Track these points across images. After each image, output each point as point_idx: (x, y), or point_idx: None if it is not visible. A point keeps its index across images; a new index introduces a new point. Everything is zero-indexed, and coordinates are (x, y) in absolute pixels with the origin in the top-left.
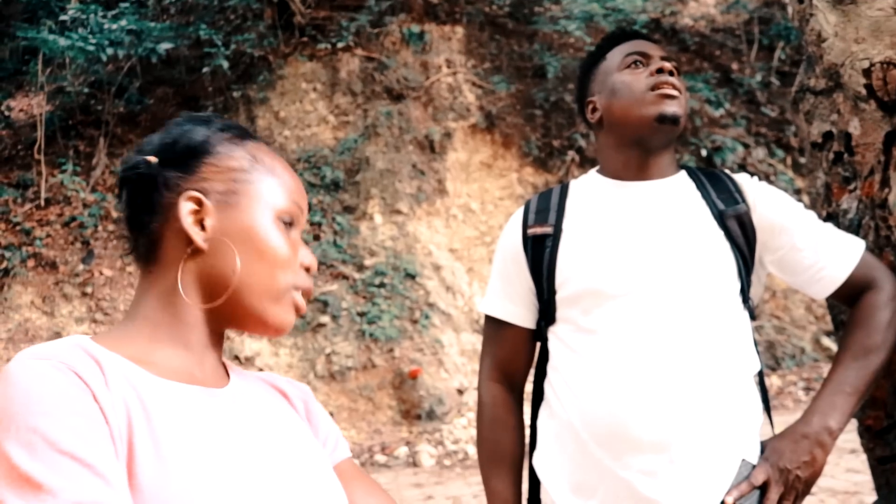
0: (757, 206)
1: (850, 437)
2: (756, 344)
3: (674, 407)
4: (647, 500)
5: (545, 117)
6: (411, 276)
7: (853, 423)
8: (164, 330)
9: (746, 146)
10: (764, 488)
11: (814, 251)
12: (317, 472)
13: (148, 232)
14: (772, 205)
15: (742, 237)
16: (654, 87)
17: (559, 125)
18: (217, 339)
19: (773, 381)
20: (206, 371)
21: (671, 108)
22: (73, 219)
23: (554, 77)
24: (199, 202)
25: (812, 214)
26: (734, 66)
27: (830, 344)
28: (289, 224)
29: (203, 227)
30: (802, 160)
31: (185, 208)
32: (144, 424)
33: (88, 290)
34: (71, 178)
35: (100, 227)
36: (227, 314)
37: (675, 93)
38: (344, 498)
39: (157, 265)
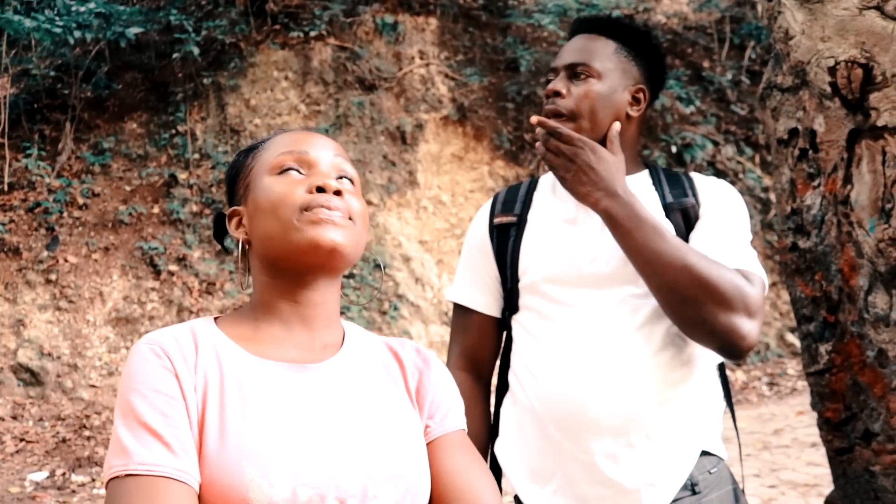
0: (704, 202)
1: (810, 432)
2: None
3: (631, 392)
4: (609, 482)
5: (517, 111)
6: (380, 268)
7: (813, 417)
8: (262, 313)
9: (716, 143)
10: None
11: (706, 242)
12: (390, 447)
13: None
14: (710, 200)
15: (685, 230)
16: (543, 114)
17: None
18: (314, 314)
19: (737, 377)
20: (312, 346)
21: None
22: (38, 204)
23: (527, 70)
24: (236, 213)
25: (742, 235)
26: (705, 64)
27: (794, 340)
28: (285, 171)
29: (244, 225)
30: (770, 158)
31: (231, 225)
32: (217, 400)
33: (52, 277)
34: (36, 162)
35: (65, 214)
36: (283, 270)
37: (550, 125)
38: (420, 474)
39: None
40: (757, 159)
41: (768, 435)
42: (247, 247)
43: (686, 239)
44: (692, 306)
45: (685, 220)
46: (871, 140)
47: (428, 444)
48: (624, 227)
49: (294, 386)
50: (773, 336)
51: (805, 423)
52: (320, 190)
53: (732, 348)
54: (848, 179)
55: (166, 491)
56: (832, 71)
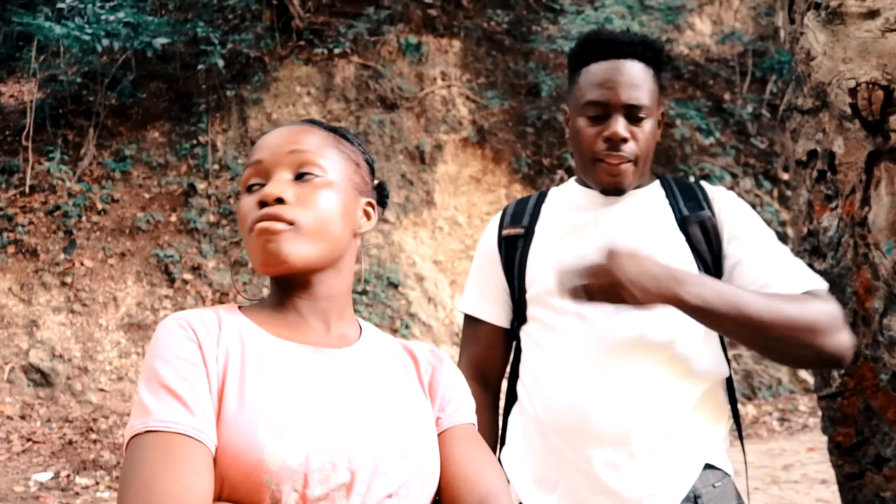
0: (721, 214)
1: (820, 468)
2: (726, 351)
3: (634, 402)
4: (610, 492)
5: (536, 135)
6: (394, 286)
7: (824, 454)
8: (279, 305)
9: (734, 175)
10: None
11: (761, 268)
12: (402, 429)
13: None
14: (731, 214)
15: (704, 242)
16: (600, 157)
17: (550, 144)
18: (326, 306)
19: (748, 411)
20: (330, 336)
21: (611, 180)
22: (58, 207)
23: (547, 96)
24: None
25: (779, 244)
26: (726, 96)
27: (807, 377)
28: (250, 189)
29: None
30: (789, 193)
31: None
32: (238, 370)
33: (68, 279)
34: (58, 166)
35: (83, 218)
36: (277, 278)
37: (616, 168)
38: (429, 458)
39: None
40: (775, 193)
41: (777, 470)
42: None
43: (709, 248)
44: (801, 348)
45: (703, 232)
46: (890, 162)
47: (439, 435)
48: (706, 310)
49: (312, 365)
50: (786, 371)
51: (815, 459)
52: (264, 203)
53: (841, 364)
54: (866, 201)
55: (182, 447)
56: (853, 92)
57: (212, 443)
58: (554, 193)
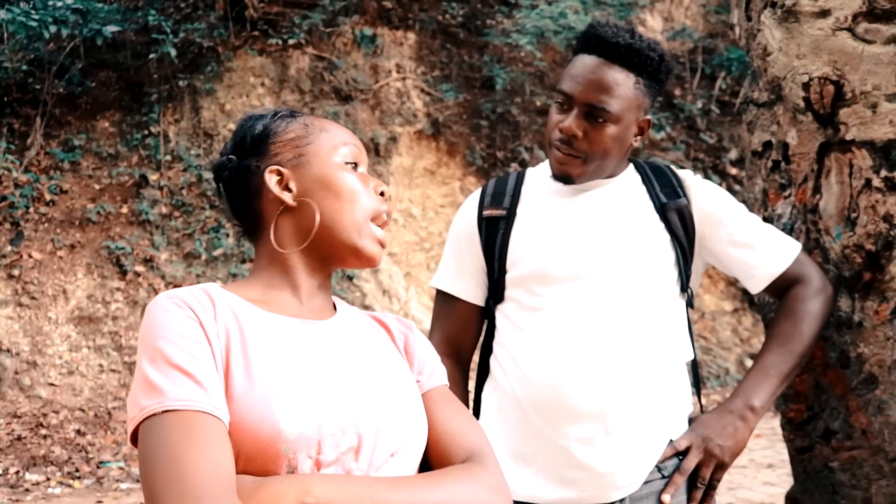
0: (697, 201)
1: (766, 454)
2: (692, 336)
3: (610, 381)
4: (584, 467)
5: (491, 128)
6: (349, 278)
7: (770, 440)
8: (276, 278)
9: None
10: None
11: (750, 248)
12: (395, 392)
13: (250, 211)
14: (711, 200)
15: (682, 229)
16: (553, 144)
17: (504, 137)
18: (322, 281)
19: (695, 400)
20: (314, 307)
21: (558, 168)
22: (3, 198)
23: (502, 89)
24: (279, 172)
25: (752, 215)
26: (677, 92)
27: None
28: (353, 164)
29: (289, 190)
30: (737, 187)
31: (271, 181)
32: (239, 346)
33: (15, 272)
34: (3, 156)
35: (31, 209)
36: (325, 254)
37: (563, 159)
38: (420, 418)
39: (264, 232)
40: (724, 187)
41: None
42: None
43: (685, 234)
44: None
45: (681, 219)
46: (839, 153)
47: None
48: (772, 392)
49: (306, 337)
50: (734, 361)
51: (762, 445)
52: (381, 194)
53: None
54: (817, 189)
55: (203, 424)
56: (806, 87)
57: (226, 418)
58: (532, 175)
